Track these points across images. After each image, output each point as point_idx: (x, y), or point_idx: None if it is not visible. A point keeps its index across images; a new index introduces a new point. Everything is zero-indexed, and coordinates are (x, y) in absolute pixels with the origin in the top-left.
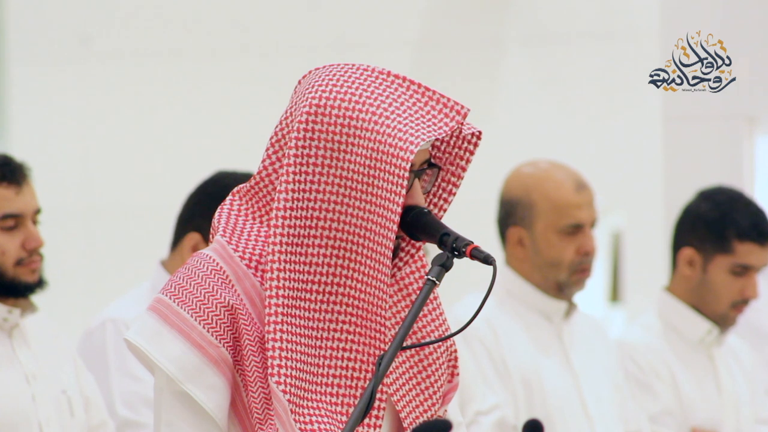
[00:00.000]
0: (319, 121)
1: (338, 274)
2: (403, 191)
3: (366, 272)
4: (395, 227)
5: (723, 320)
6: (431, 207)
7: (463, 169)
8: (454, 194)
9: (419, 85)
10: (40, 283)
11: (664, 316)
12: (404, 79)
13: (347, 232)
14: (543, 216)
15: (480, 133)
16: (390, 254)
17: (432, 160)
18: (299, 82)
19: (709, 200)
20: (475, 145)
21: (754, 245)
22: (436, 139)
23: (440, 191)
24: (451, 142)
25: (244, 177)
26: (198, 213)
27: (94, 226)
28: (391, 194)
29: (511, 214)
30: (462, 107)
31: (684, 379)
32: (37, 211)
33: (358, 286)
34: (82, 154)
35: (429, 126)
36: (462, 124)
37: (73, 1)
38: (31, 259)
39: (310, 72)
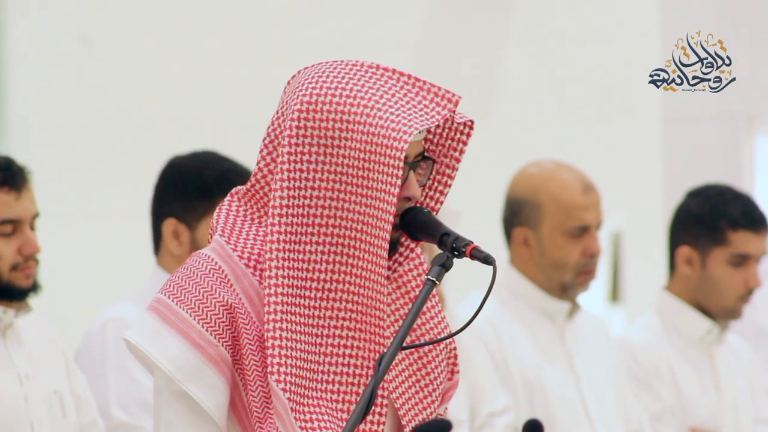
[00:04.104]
0: (311, 118)
1: (336, 270)
2: (398, 181)
3: (363, 266)
4: (391, 218)
5: (731, 314)
6: (427, 201)
7: (457, 161)
8: (450, 186)
9: (409, 76)
10: (34, 288)
11: (664, 316)
12: (393, 71)
13: (344, 227)
14: (549, 217)
15: (472, 122)
16: (386, 246)
17: (426, 153)
18: (288, 83)
19: (698, 196)
20: (468, 135)
21: (749, 233)
22: (429, 131)
23: (436, 184)
24: (444, 134)
25: (193, 157)
26: (165, 201)
27: (92, 227)
28: (386, 185)
29: (517, 214)
30: (453, 95)
31: (684, 377)
32: (36, 216)
33: (356, 281)
34: (81, 154)
35: (421, 115)
36: (454, 112)
37: (73, 1)
38: (27, 264)
39: (299, 72)
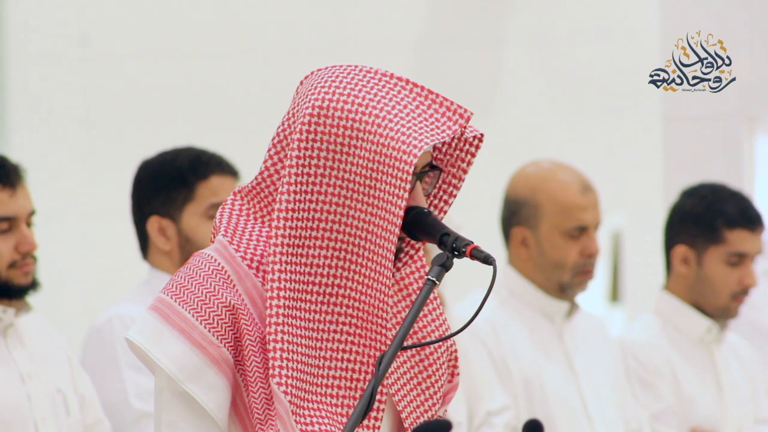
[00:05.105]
0: (322, 123)
1: (339, 275)
2: (406, 194)
3: (367, 274)
4: (397, 230)
5: (725, 313)
6: (432, 208)
7: (464, 171)
8: (455, 196)
9: (422, 88)
10: (33, 285)
11: (663, 316)
12: (407, 81)
13: (348, 234)
14: (548, 217)
15: (482, 135)
16: (392, 257)
17: (433, 162)
18: (301, 83)
19: (693, 195)
20: (477, 147)
21: (745, 231)
22: (438, 142)
23: (441, 193)
24: (453, 144)
25: (161, 154)
26: (144, 201)
27: (92, 226)
28: (393, 197)
29: (515, 214)
30: (465, 111)
31: (685, 376)
32: (32, 213)
33: (359, 288)
34: (81, 154)
35: (432, 129)
36: (465, 127)
37: (73, 1)
38: (24, 261)
39: (312, 73)
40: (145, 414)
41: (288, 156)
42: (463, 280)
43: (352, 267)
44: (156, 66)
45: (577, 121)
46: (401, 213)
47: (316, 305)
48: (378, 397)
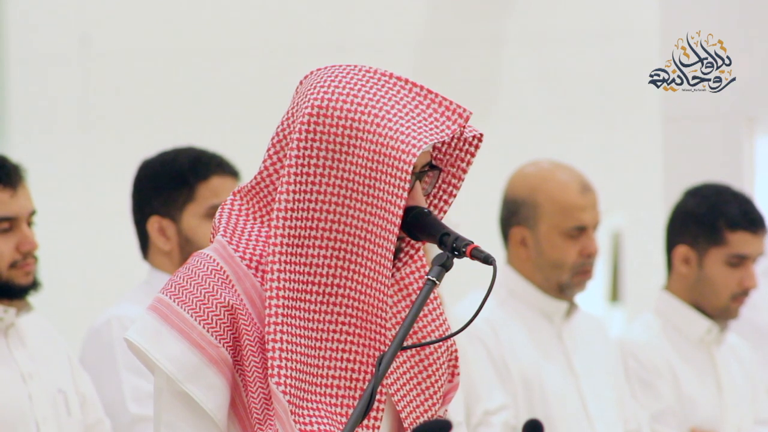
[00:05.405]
0: (321, 122)
1: (338, 275)
2: (405, 194)
3: (366, 274)
4: (396, 230)
5: (725, 313)
6: (431, 208)
7: (464, 171)
8: (455, 196)
9: (422, 88)
10: (34, 285)
11: (663, 316)
12: (406, 81)
13: (348, 233)
14: (547, 217)
15: (481, 135)
16: (391, 256)
17: (433, 162)
18: (301, 83)
19: (696, 196)
20: (476, 147)
21: (746, 233)
22: (438, 141)
23: (440, 193)
24: (452, 144)
25: (162, 154)
26: (144, 201)
27: (92, 227)
28: (392, 197)
29: (514, 214)
30: (464, 110)
31: (685, 377)
32: (32, 213)
33: (359, 287)
34: (81, 154)
35: (431, 129)
36: (464, 127)
37: (73, 1)
38: (26, 261)
39: (312, 72)
40: (141, 418)
41: (287, 156)
42: (463, 280)
43: (352, 267)
44: (156, 66)
45: (578, 121)
46: (400, 212)
47: (316, 305)
48: (378, 397)
